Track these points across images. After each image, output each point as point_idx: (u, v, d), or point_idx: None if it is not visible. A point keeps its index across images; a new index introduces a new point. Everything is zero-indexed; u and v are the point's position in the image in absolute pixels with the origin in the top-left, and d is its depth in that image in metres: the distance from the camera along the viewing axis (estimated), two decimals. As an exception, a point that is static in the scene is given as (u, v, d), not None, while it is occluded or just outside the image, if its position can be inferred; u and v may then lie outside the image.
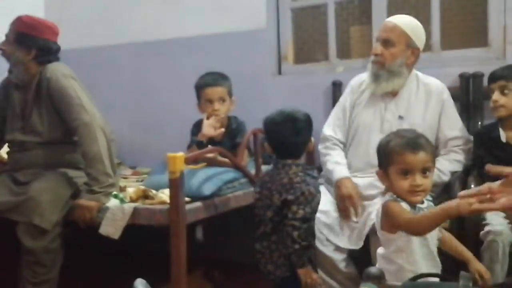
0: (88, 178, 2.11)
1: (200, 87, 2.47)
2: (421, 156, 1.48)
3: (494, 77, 2.13)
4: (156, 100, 3.38)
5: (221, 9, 3.13)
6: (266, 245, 1.91)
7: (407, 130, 1.64)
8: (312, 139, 1.99)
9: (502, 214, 1.93)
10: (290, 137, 1.87)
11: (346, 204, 2.11)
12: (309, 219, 1.83)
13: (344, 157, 2.30)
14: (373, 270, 1.32)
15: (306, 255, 1.81)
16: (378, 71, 2.21)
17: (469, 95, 2.50)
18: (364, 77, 2.40)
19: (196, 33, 3.22)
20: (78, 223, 2.11)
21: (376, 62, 2.21)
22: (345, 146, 2.36)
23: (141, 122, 3.42)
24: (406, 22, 2.21)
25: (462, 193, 1.25)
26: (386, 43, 2.18)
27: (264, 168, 2.51)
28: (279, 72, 3.11)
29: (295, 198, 1.78)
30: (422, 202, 1.54)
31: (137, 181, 2.78)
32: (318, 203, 1.91)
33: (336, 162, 2.26)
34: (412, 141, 1.50)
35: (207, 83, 2.44)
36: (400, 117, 2.23)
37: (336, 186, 2.17)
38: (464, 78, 2.52)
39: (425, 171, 1.49)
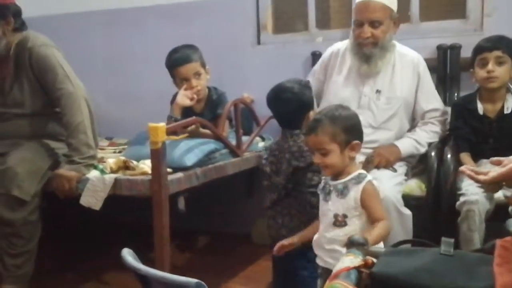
0: (69, 148, 2.08)
1: (172, 67, 2.40)
2: (312, 139, 1.53)
3: (487, 47, 2.11)
4: (132, 69, 3.32)
5: (200, -24, 3.07)
6: (279, 210, 1.88)
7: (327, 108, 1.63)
8: (312, 112, 1.90)
9: (477, 184, 1.98)
10: (282, 108, 1.87)
11: None
12: None
13: None
14: (356, 237, 1.35)
15: None
16: (371, 51, 2.22)
17: (446, 67, 2.54)
18: (338, 46, 2.41)
19: (173, 1, 3.15)
20: (57, 193, 2.08)
21: (367, 44, 2.21)
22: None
23: (116, 92, 3.36)
24: None
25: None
26: (374, 23, 2.18)
27: (245, 138, 2.53)
28: (258, 42, 3.08)
29: (307, 166, 1.76)
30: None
31: (114, 152, 2.74)
32: None
33: None
34: (310, 124, 1.55)
35: (178, 62, 2.37)
36: (378, 91, 2.26)
37: None
38: (442, 49, 2.55)
39: (321, 151, 1.52)
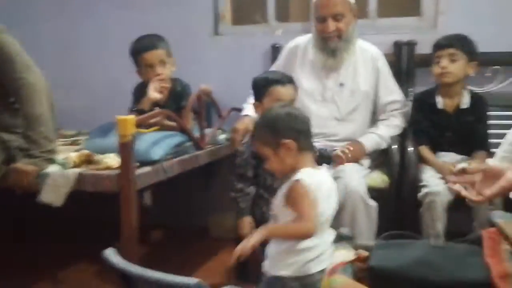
0: (27, 141, 1.94)
1: (137, 53, 2.32)
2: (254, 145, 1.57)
3: (441, 45, 2.21)
4: (81, 57, 3.17)
5: (155, -37, 2.96)
6: (247, 185, 1.93)
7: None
8: None
9: (438, 175, 2.08)
10: None
11: (233, 136, 2.20)
12: None
13: None
14: (344, 231, 1.38)
15: None
16: (337, 45, 2.25)
17: (402, 63, 2.63)
18: (300, 41, 2.42)
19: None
20: (13, 189, 1.94)
21: (331, 38, 2.24)
22: None
23: (63, 80, 3.16)
24: None
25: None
26: (336, 17, 2.21)
27: (208, 131, 2.48)
28: (216, 33, 3.03)
29: None
30: None
31: (65, 144, 2.61)
32: None
33: (249, 102, 2.37)
34: None
35: (144, 48, 2.29)
36: (341, 84, 2.30)
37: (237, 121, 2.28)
38: (398, 45, 2.63)
39: (263, 157, 1.50)
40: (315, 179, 1.39)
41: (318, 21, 2.25)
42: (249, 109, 2.37)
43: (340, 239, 1.34)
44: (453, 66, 2.18)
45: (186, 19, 2.96)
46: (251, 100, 2.45)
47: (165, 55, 2.33)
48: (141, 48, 2.30)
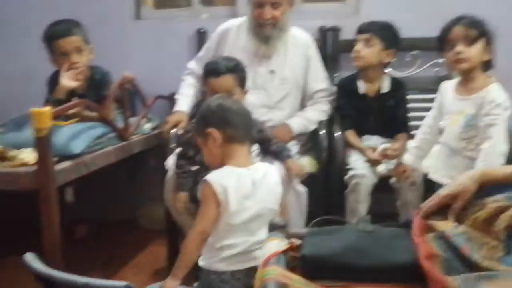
0: None
1: (50, 39, 2.16)
2: None
3: (361, 29, 2.25)
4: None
5: None
6: (188, 164, 1.91)
7: None
8: None
9: (363, 159, 2.14)
10: None
11: (163, 128, 2.23)
12: None
13: (193, 87, 2.39)
14: (277, 220, 1.37)
15: None
16: (271, 32, 2.22)
17: (326, 48, 2.67)
18: (231, 24, 2.39)
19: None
20: None
21: (267, 25, 2.21)
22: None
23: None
24: None
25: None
26: (274, 4, 2.19)
27: (133, 120, 2.39)
28: (138, 17, 2.90)
29: None
30: None
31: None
32: None
33: (181, 93, 2.37)
34: None
35: (58, 34, 2.14)
36: (272, 71, 2.30)
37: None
38: (323, 31, 2.67)
39: None
40: (226, 180, 1.42)
41: (255, 5, 2.22)
42: (182, 102, 2.33)
43: (272, 228, 1.33)
44: (366, 51, 2.22)
45: (105, 3, 2.81)
46: (184, 89, 2.38)
47: (81, 42, 2.18)
48: (54, 35, 2.15)
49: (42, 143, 1.69)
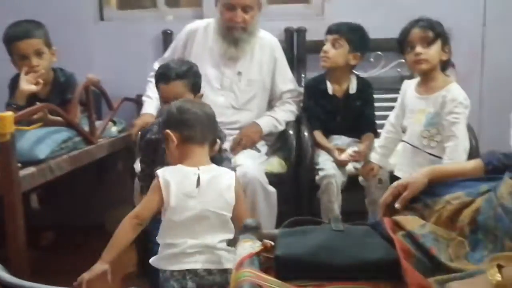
0: None
1: (9, 41, 2.08)
2: None
3: (330, 30, 2.27)
4: None
5: None
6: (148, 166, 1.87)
7: None
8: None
9: (331, 159, 2.17)
10: None
11: (131, 131, 2.24)
12: None
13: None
14: (249, 221, 1.37)
15: None
16: (240, 36, 2.24)
17: (293, 49, 2.69)
18: (199, 25, 2.38)
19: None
20: None
21: (236, 28, 2.22)
22: None
23: None
24: None
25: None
26: (246, 8, 2.20)
27: (98, 123, 2.34)
28: (101, 18, 2.85)
29: None
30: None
31: None
32: None
33: (147, 96, 2.38)
34: None
35: (17, 36, 2.06)
36: (239, 73, 2.31)
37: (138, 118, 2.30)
38: (289, 32, 2.69)
39: None
40: (170, 175, 1.48)
41: (226, 8, 2.22)
42: (149, 105, 2.32)
43: (245, 230, 1.33)
44: (333, 51, 2.25)
45: (67, 4, 2.75)
46: (150, 91, 2.36)
47: (42, 45, 2.11)
48: (14, 36, 2.07)
49: (4, 149, 1.64)
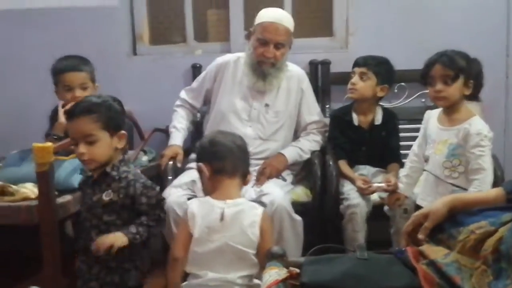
0: None
1: (58, 72, 2.22)
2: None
3: (357, 63, 2.32)
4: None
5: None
6: None
7: None
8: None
9: (355, 188, 2.19)
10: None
11: (161, 161, 2.29)
12: None
13: (185, 119, 2.49)
14: (275, 248, 1.41)
15: None
16: (269, 70, 2.31)
17: (317, 80, 2.76)
18: (230, 58, 2.47)
19: (37, 5, 2.89)
20: None
21: (266, 63, 2.30)
22: (194, 108, 2.53)
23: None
24: (290, 21, 2.34)
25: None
26: (278, 45, 2.28)
27: (130, 153, 2.43)
28: (134, 53, 2.99)
29: None
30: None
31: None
32: None
33: (174, 127, 2.46)
34: None
35: (67, 68, 2.19)
36: (267, 105, 2.37)
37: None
38: (313, 64, 2.76)
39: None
40: (197, 207, 1.55)
41: (260, 42, 2.29)
42: (176, 136, 2.41)
43: (271, 257, 1.37)
44: (361, 84, 2.29)
45: (103, 40, 2.89)
46: (177, 121, 2.45)
47: (88, 79, 2.24)
48: (63, 68, 2.21)
49: (43, 178, 1.74)
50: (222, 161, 1.57)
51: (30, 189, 1.84)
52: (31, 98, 2.85)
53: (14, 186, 1.87)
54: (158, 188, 1.68)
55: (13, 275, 1.99)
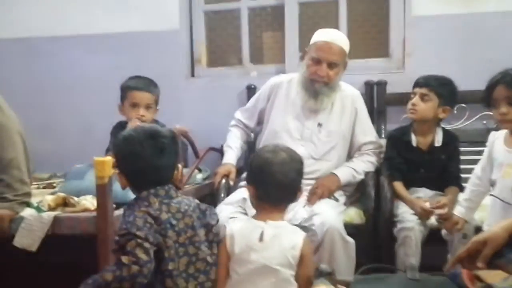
0: (0, 185, 1.91)
1: (127, 89, 2.36)
2: None
3: (418, 83, 2.27)
4: (53, 100, 3.19)
5: (132, 8, 3.04)
6: None
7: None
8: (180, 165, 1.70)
9: (411, 211, 2.13)
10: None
11: (215, 179, 2.34)
12: None
13: (239, 138, 2.54)
14: (324, 266, 1.39)
15: None
16: (322, 89, 2.31)
17: (373, 101, 2.73)
18: (284, 78, 2.50)
19: (102, 31, 3.08)
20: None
21: (319, 81, 2.30)
22: (247, 128, 2.57)
23: (36, 123, 3.14)
24: (344, 41, 2.34)
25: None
26: (331, 64, 2.28)
27: (185, 171, 2.49)
28: (192, 75, 3.09)
29: None
30: None
31: (38, 187, 2.58)
32: None
33: (228, 146, 2.51)
34: None
35: (138, 86, 2.35)
36: (319, 125, 2.36)
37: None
38: (369, 85, 2.74)
39: None
40: (236, 226, 1.52)
41: (313, 61, 2.30)
42: (230, 155, 2.45)
43: (319, 275, 1.35)
44: (423, 105, 2.23)
45: (162, 62, 3.02)
46: (231, 140, 2.50)
47: (153, 101, 2.38)
48: (134, 85, 2.35)
49: (102, 190, 1.81)
50: (267, 190, 1.51)
51: (90, 201, 1.92)
52: (96, 116, 3.00)
53: (75, 198, 1.96)
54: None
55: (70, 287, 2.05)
